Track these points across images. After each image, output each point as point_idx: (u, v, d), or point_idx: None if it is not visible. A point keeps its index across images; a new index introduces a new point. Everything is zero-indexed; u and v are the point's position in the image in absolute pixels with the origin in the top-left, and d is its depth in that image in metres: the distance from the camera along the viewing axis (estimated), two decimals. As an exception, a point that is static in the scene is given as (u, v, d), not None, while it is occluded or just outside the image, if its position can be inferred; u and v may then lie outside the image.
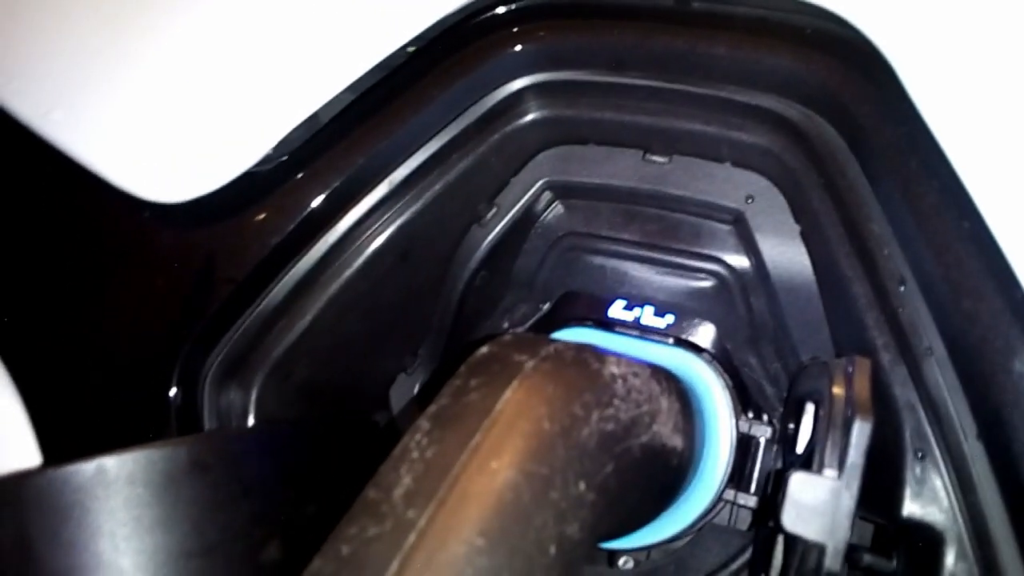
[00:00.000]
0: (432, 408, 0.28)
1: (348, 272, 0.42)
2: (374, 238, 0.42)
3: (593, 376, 0.30)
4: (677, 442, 0.35)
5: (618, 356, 0.33)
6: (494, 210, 0.46)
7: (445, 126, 0.41)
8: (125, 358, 0.39)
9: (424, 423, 0.27)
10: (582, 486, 0.26)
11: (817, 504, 0.29)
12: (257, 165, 0.38)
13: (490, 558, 0.22)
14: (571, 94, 0.42)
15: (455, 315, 0.49)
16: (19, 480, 0.31)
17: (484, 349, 0.31)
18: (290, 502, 0.37)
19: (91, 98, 0.40)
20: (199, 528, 0.33)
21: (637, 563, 0.47)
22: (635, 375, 0.33)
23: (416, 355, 0.51)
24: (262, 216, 0.39)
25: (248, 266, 0.39)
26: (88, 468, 0.31)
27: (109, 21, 0.41)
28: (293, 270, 0.40)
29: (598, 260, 0.47)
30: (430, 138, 0.41)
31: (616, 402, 0.30)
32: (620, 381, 0.31)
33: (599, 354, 0.32)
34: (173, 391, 0.38)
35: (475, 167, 0.43)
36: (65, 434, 0.38)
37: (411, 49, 0.38)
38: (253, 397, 0.39)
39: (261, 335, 0.40)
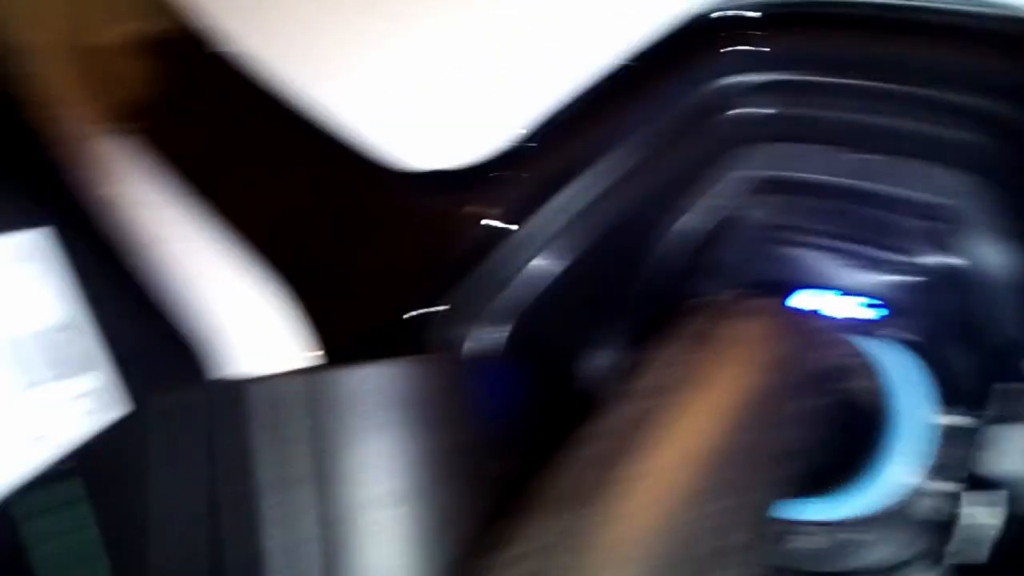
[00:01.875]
0: (653, 349, 0.33)
1: (570, 248, 0.47)
2: (596, 218, 0.47)
3: (800, 323, 0.34)
4: (876, 404, 0.37)
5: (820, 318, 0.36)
6: (693, 201, 0.50)
7: (657, 117, 0.46)
8: (378, 297, 0.46)
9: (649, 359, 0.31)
10: (794, 408, 0.30)
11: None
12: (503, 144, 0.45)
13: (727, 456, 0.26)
14: (780, 93, 0.45)
15: (649, 300, 0.53)
16: (304, 376, 0.38)
17: (700, 299, 0.35)
18: (511, 430, 0.42)
19: (357, 75, 0.49)
20: (440, 434, 0.39)
21: (817, 542, 0.49)
22: (838, 336, 0.36)
23: (608, 335, 0.55)
24: (496, 188, 0.46)
25: (481, 232, 0.45)
26: (363, 372, 0.38)
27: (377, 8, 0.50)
28: (514, 239, 0.47)
29: (795, 252, 0.50)
30: (642, 127, 0.46)
31: (821, 351, 0.33)
32: (825, 334, 0.34)
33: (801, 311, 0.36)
34: (413, 327, 0.44)
35: (680, 159, 0.47)
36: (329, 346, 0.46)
37: (641, 46, 0.44)
38: (476, 343, 0.45)
39: (487, 291, 0.46)
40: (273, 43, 0.52)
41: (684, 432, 0.26)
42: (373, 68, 0.48)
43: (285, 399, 0.38)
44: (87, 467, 0.31)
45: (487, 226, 0.46)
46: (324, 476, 0.37)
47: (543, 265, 0.47)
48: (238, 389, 0.37)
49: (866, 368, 0.36)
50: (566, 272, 0.48)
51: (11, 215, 0.30)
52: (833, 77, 0.44)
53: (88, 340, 0.33)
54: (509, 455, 0.42)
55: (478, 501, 0.39)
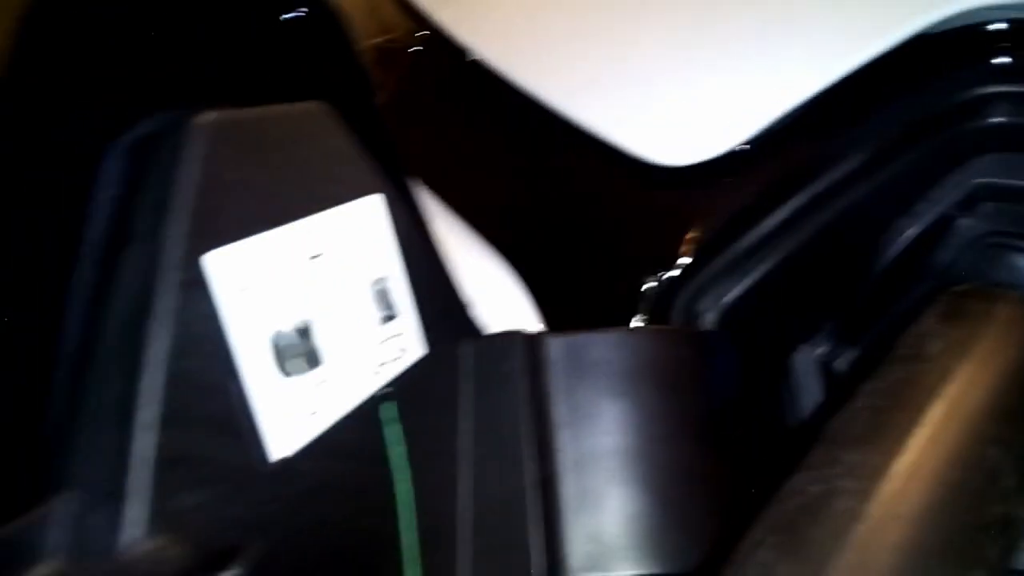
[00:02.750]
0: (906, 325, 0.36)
1: (792, 243, 0.51)
2: (818, 216, 0.51)
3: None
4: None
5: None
6: (924, 203, 0.53)
7: (903, 121, 0.49)
8: (617, 275, 0.52)
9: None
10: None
11: None
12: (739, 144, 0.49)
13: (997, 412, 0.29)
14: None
15: (866, 298, 0.56)
16: (562, 338, 0.44)
17: (959, 288, 0.38)
18: (734, 399, 0.47)
19: (610, 84, 0.54)
20: (672, 397, 0.43)
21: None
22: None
23: (820, 330, 0.58)
24: (734, 186, 0.50)
25: (718, 224, 0.50)
26: (610, 336, 0.43)
27: (620, 15, 0.55)
28: (751, 234, 0.50)
29: (1020, 259, 0.52)
30: (888, 130, 0.49)
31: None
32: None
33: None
34: (647, 305, 0.49)
35: (919, 161, 0.50)
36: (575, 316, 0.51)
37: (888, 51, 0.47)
38: (703, 320, 0.50)
39: (719, 281, 0.50)
40: (525, 51, 0.58)
41: (952, 391, 0.29)
42: (617, 71, 0.54)
43: (546, 356, 0.44)
44: (399, 394, 0.38)
45: (716, 216, 0.50)
46: (576, 423, 0.43)
47: (766, 255, 0.50)
48: (525, 344, 0.42)
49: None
50: (795, 271, 0.51)
51: (366, 182, 0.37)
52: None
53: (403, 290, 0.39)
54: (731, 421, 0.46)
55: (706, 461, 0.43)
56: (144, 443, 0.26)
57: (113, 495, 0.25)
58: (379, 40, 0.81)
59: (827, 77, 0.47)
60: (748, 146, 0.49)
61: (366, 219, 0.38)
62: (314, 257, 0.34)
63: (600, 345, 0.43)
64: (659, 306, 0.49)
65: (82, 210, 0.30)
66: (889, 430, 0.28)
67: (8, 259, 0.29)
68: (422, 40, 0.74)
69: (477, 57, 0.63)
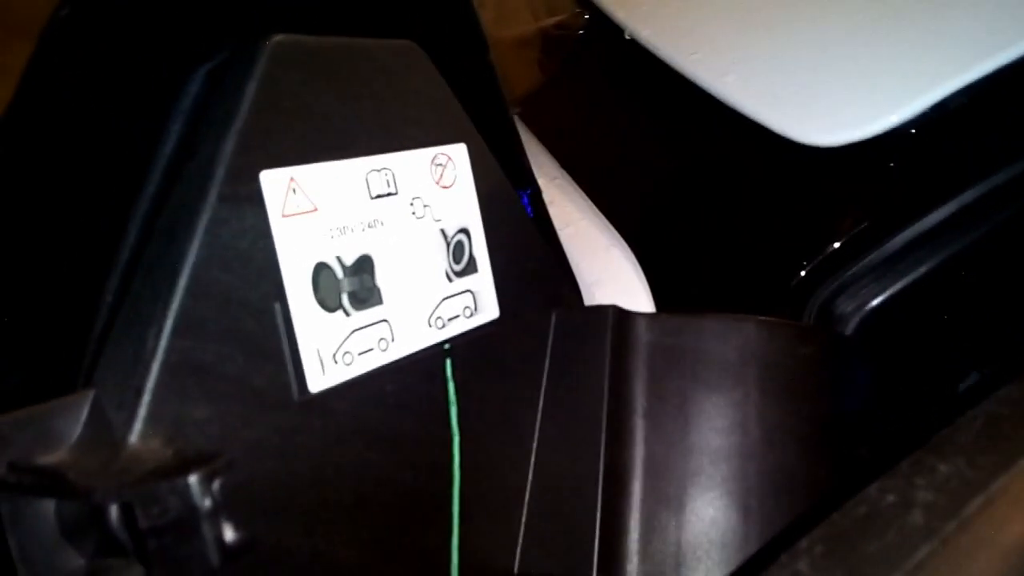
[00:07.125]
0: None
1: (958, 245, 0.43)
2: (993, 216, 0.43)
3: None
4: None
5: None
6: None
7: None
8: (750, 265, 0.46)
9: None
10: None
11: None
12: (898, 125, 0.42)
13: None
14: None
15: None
16: (626, 315, 0.39)
17: None
18: (861, 411, 0.40)
19: (757, 56, 0.49)
20: (786, 399, 0.38)
21: None
22: None
23: (986, 358, 0.49)
24: (892, 171, 0.43)
25: (870, 215, 0.43)
26: (716, 323, 0.38)
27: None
28: (908, 230, 0.43)
29: None
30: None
31: None
32: None
33: None
34: (778, 300, 0.44)
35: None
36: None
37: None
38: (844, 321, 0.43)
39: (865, 281, 0.44)
40: (676, 26, 0.55)
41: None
42: (766, 41, 0.49)
43: (636, 335, 0.39)
44: (472, 355, 0.36)
45: (869, 206, 0.43)
46: (660, 413, 0.38)
47: (925, 256, 0.43)
48: (615, 319, 0.39)
49: None
50: (950, 268, 0.44)
51: (453, 129, 0.35)
52: None
53: (482, 247, 0.37)
54: (849, 441, 0.40)
55: (808, 477, 0.37)
56: (158, 345, 0.26)
57: (121, 394, 0.26)
58: (548, 23, 0.80)
59: (1003, 55, 0.39)
60: (910, 126, 0.42)
61: (447, 167, 0.36)
62: (383, 195, 0.33)
63: (699, 330, 0.38)
64: (792, 303, 0.43)
65: (162, 129, 0.31)
66: (1003, 443, 0.22)
67: (92, 171, 0.31)
68: (586, 21, 0.72)
69: (633, 35, 0.60)
